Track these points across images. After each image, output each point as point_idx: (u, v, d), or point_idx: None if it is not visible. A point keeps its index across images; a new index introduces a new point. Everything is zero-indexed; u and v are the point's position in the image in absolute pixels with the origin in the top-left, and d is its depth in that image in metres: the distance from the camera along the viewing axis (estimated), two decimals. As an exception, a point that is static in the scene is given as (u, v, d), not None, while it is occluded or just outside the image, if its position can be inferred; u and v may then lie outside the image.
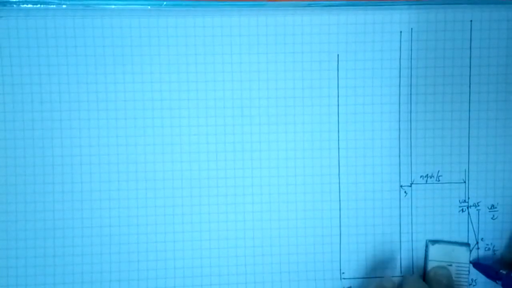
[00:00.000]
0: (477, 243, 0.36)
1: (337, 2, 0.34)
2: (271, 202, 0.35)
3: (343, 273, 0.36)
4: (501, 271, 0.34)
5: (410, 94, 0.35)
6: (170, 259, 0.35)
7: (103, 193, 0.34)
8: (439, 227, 0.35)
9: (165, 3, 0.33)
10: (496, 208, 0.36)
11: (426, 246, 0.35)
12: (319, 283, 0.35)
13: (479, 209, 0.36)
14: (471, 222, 0.35)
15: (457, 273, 0.35)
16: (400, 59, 0.35)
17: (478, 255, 0.36)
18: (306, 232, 0.35)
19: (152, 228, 0.35)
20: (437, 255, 0.35)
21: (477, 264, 0.35)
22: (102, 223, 0.34)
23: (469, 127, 0.35)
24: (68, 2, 0.32)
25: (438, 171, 0.35)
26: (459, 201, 0.35)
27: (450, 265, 0.35)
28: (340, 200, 0.35)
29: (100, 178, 0.34)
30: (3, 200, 0.34)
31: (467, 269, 0.35)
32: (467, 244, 0.35)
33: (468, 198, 0.35)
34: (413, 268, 0.36)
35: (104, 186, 0.34)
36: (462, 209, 0.35)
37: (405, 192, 0.35)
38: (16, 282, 0.34)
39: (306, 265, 0.35)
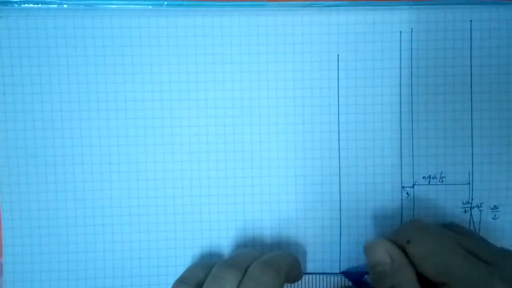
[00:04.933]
0: (479, 243, 0.35)
1: (337, 2, 0.34)
2: (271, 202, 0.35)
3: (343, 273, 0.35)
4: (365, 276, 0.34)
5: (411, 94, 0.35)
6: (171, 257, 0.35)
7: (104, 192, 0.34)
8: (441, 228, 0.35)
9: (166, 3, 0.33)
10: (498, 208, 0.35)
11: None
12: (319, 284, 0.35)
13: (481, 210, 0.35)
14: (473, 223, 0.35)
15: None
16: (400, 59, 0.34)
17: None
18: (306, 232, 0.35)
19: (153, 226, 0.35)
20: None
21: (347, 273, 0.35)
22: (104, 221, 0.35)
23: (471, 128, 0.35)
24: (69, 2, 0.33)
25: (441, 172, 0.35)
26: (463, 202, 0.35)
27: None
28: (340, 201, 0.35)
29: (102, 178, 0.34)
30: (7, 199, 0.34)
31: None
32: None
33: (472, 199, 0.35)
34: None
35: (106, 186, 0.34)
36: (465, 210, 0.35)
37: (407, 193, 0.35)
38: (22, 278, 0.34)
39: (306, 266, 0.35)
